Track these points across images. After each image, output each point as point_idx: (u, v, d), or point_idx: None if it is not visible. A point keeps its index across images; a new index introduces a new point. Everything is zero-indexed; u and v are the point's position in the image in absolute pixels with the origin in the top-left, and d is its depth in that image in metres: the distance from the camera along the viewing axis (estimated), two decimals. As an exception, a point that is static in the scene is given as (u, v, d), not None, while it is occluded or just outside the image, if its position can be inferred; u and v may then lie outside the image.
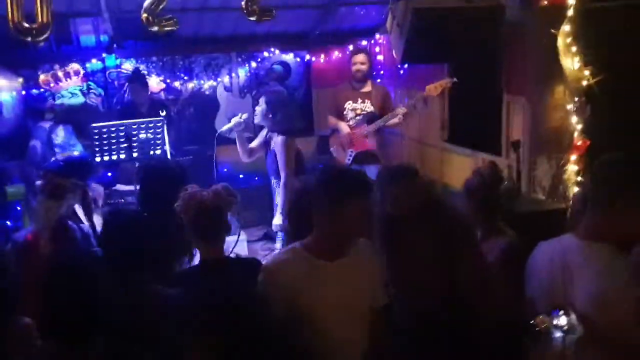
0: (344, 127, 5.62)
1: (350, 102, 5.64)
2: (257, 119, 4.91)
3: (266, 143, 4.90)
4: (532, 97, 4.52)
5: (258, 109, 4.87)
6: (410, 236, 2.29)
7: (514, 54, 4.68)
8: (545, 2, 4.36)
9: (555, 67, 4.32)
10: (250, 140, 5.14)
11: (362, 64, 5.63)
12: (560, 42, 4.26)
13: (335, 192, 2.29)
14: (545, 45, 4.28)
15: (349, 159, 5.54)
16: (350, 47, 6.67)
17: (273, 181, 4.97)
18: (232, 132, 5.02)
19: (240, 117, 4.81)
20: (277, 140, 4.76)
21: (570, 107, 4.35)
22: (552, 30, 4.23)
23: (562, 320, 2.09)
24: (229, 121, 4.99)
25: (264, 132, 4.94)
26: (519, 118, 4.72)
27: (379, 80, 6.80)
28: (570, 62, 4.28)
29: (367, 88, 5.67)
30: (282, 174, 4.74)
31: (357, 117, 5.57)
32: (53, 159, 5.15)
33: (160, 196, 2.89)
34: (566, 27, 4.22)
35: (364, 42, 6.96)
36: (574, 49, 4.24)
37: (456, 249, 2.28)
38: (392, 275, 2.47)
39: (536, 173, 4.55)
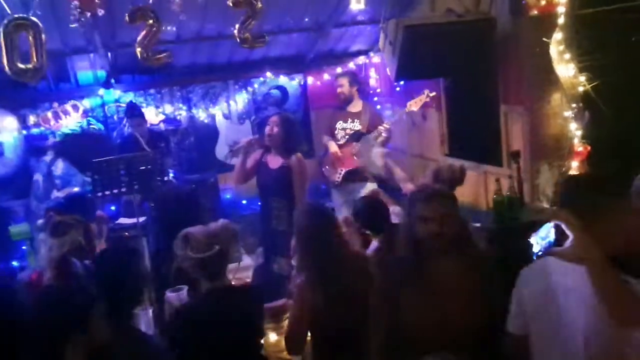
0: (332, 146, 5.66)
1: (341, 122, 5.74)
2: None
3: (262, 164, 4.77)
4: (530, 106, 4.52)
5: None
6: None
7: (509, 65, 4.69)
8: (536, 12, 4.38)
9: (550, 75, 4.33)
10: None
11: (341, 86, 5.76)
12: (554, 50, 4.27)
13: None
14: (539, 54, 4.30)
15: (338, 178, 5.58)
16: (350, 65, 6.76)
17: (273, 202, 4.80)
18: (232, 159, 4.96)
19: None
20: (296, 160, 4.62)
21: (568, 114, 4.35)
22: (545, 39, 4.25)
23: None
24: (229, 148, 4.95)
25: (257, 154, 4.81)
26: (518, 127, 4.72)
27: (375, 99, 6.83)
28: (565, 69, 4.29)
29: (357, 108, 5.75)
30: (301, 194, 4.61)
31: (346, 136, 5.65)
32: (54, 195, 5.18)
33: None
34: (558, 35, 4.24)
35: (360, 61, 7.00)
36: (567, 56, 4.25)
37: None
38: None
39: (539, 181, 4.53)
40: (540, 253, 3.36)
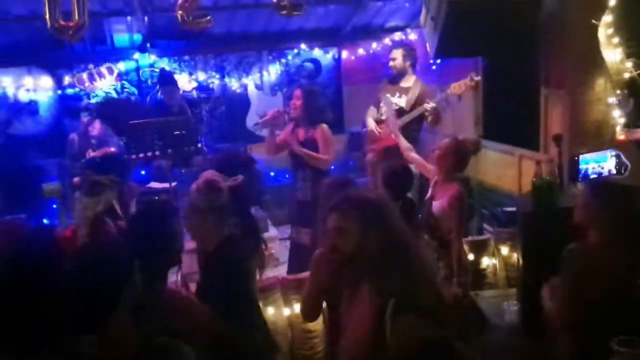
0: (369, 123, 5.57)
1: (389, 95, 5.53)
2: None
3: (292, 136, 4.77)
4: (573, 91, 4.39)
5: None
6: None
7: (553, 47, 4.56)
8: (586, -7, 4.24)
9: (596, 59, 4.21)
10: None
11: (394, 59, 5.55)
12: (601, 33, 4.14)
13: None
14: (585, 36, 4.17)
15: (373, 156, 5.48)
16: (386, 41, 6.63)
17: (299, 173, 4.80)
18: (260, 130, 4.94)
19: None
20: (320, 131, 4.62)
21: (612, 100, 4.23)
22: (593, 21, 4.11)
23: None
24: (260, 119, 4.94)
25: (289, 126, 4.81)
26: (558, 112, 4.60)
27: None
28: (612, 54, 4.16)
29: (408, 83, 5.53)
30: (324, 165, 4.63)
31: (389, 112, 5.48)
32: (89, 155, 5.23)
33: None
34: (607, 18, 4.10)
35: (396, 37, 6.88)
36: (615, 40, 4.12)
37: None
38: None
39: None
40: (594, 176, 3.64)
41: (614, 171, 3.86)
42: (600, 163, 3.88)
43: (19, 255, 1.94)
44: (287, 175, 6.24)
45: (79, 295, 1.88)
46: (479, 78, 5.12)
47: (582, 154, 3.98)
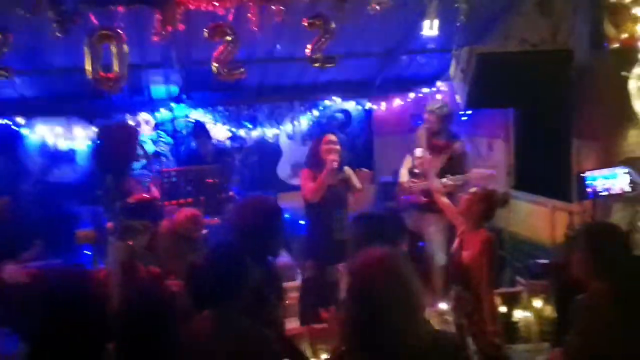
0: (402, 176, 5.61)
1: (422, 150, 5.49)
2: None
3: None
4: (605, 142, 4.37)
5: None
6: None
7: (585, 98, 4.56)
8: (616, 45, 4.25)
9: (627, 110, 4.19)
10: None
11: (430, 122, 5.50)
12: (633, 84, 4.13)
13: None
14: (616, 88, 4.16)
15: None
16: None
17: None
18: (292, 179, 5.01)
19: None
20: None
21: (645, 152, 4.19)
22: (624, 73, 4.11)
23: None
24: (292, 168, 5.03)
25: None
26: (590, 163, 4.56)
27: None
28: (644, 106, 4.14)
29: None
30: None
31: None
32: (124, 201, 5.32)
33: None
34: (638, 70, 4.10)
35: (425, 90, 6.96)
36: (647, 92, 4.10)
37: None
38: None
39: (611, 220, 4.35)
40: (604, 193, 3.71)
41: (627, 188, 3.88)
42: (610, 180, 3.89)
43: (67, 296, 1.98)
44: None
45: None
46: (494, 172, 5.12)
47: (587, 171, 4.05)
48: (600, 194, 3.91)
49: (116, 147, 5.08)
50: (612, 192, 3.89)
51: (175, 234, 3.69)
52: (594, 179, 3.94)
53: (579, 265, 2.61)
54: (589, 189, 3.94)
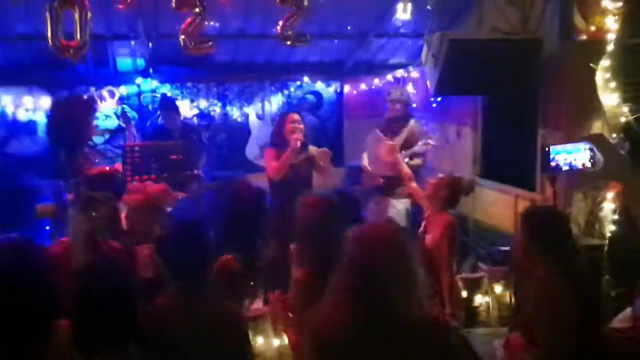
0: (363, 159, 5.70)
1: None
2: None
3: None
4: (569, 132, 4.42)
5: None
6: None
7: (552, 88, 4.61)
8: (585, 37, 4.30)
9: (593, 102, 4.24)
10: None
11: (396, 110, 5.68)
12: (599, 77, 4.18)
13: None
14: (583, 79, 4.21)
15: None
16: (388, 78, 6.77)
17: None
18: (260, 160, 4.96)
19: None
20: None
21: (608, 143, 4.25)
22: (592, 65, 4.16)
23: None
24: (260, 149, 4.99)
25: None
26: (555, 153, 4.62)
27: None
28: (609, 98, 4.19)
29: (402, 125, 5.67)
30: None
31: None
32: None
33: None
34: (605, 62, 4.15)
35: (398, 74, 6.95)
36: (613, 84, 4.15)
37: None
38: None
39: (572, 209, 4.42)
40: (566, 168, 3.79)
41: (588, 164, 4.00)
42: (572, 154, 3.98)
43: (9, 271, 1.92)
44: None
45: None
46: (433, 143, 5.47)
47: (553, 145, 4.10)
48: (562, 168, 3.98)
49: (68, 120, 4.96)
50: (574, 167, 3.97)
51: (147, 206, 3.61)
52: (558, 152, 4.01)
53: (519, 249, 2.65)
54: (552, 163, 4.00)
